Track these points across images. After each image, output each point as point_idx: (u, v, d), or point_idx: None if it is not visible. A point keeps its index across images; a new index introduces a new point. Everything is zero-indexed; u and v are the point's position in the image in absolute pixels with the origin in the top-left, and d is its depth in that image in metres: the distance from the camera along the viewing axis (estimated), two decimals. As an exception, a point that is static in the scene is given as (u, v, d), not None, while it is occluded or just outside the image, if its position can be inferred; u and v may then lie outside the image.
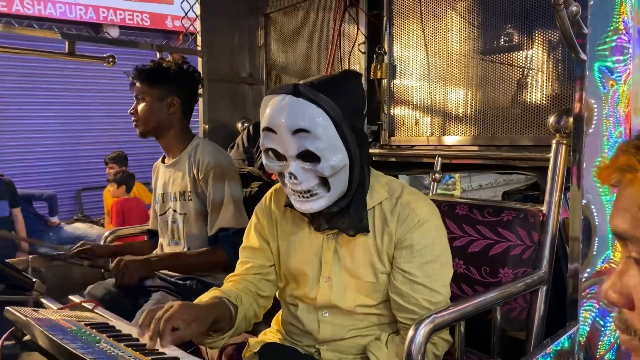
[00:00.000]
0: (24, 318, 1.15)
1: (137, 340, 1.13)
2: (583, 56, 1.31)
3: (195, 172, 1.95)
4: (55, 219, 5.89)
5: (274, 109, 1.18)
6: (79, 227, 5.90)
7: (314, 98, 1.16)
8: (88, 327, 1.17)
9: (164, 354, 1.04)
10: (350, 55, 2.39)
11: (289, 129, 1.16)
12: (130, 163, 5.85)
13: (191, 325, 1.14)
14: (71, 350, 0.97)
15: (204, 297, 1.31)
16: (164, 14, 8.07)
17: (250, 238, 1.45)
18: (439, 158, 1.98)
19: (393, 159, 2.30)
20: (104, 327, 1.20)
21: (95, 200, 7.39)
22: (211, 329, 1.25)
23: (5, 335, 1.17)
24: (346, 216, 1.25)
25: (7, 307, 1.22)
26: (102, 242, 2.35)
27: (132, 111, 2.00)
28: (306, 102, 1.16)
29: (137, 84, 2.00)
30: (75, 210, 7.59)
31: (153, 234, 2.23)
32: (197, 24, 2.72)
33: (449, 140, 2.10)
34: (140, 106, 1.98)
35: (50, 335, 1.04)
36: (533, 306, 1.49)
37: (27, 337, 1.20)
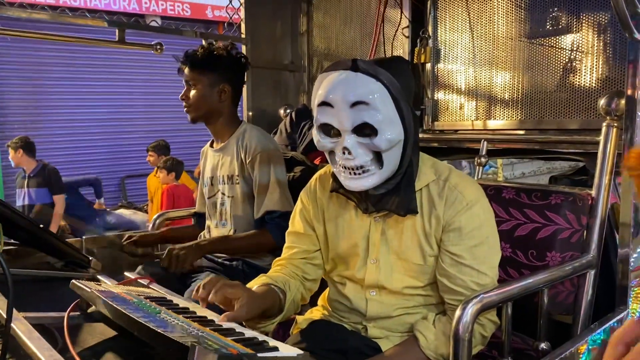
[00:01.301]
0: (89, 290, 1.21)
1: (194, 312, 1.18)
2: (638, 36, 1.29)
3: (243, 156, 1.98)
4: (102, 201, 6.10)
5: (331, 84, 1.18)
6: (124, 214, 6.10)
7: (373, 72, 1.17)
8: (147, 299, 1.22)
9: (221, 325, 1.09)
10: (393, 39, 2.39)
11: (347, 102, 1.16)
12: (173, 152, 5.96)
13: (245, 306, 1.17)
14: (135, 318, 1.02)
15: (253, 284, 1.34)
16: (204, 4, 8.19)
17: (296, 223, 1.47)
18: (485, 142, 1.96)
19: (435, 144, 2.30)
20: (162, 300, 1.26)
21: (138, 188, 7.61)
22: (262, 316, 1.28)
23: (71, 307, 1.23)
24: (395, 196, 1.25)
25: (73, 281, 1.28)
26: (151, 225, 2.42)
27: (182, 97, 2.02)
28: (365, 76, 1.17)
29: (187, 70, 2.02)
30: (119, 197, 7.83)
31: (199, 217, 2.29)
32: (241, 12, 2.76)
33: (494, 124, 2.08)
34: (192, 92, 2.00)
35: (115, 306, 1.10)
36: (580, 290, 1.48)
37: (91, 309, 1.26)
